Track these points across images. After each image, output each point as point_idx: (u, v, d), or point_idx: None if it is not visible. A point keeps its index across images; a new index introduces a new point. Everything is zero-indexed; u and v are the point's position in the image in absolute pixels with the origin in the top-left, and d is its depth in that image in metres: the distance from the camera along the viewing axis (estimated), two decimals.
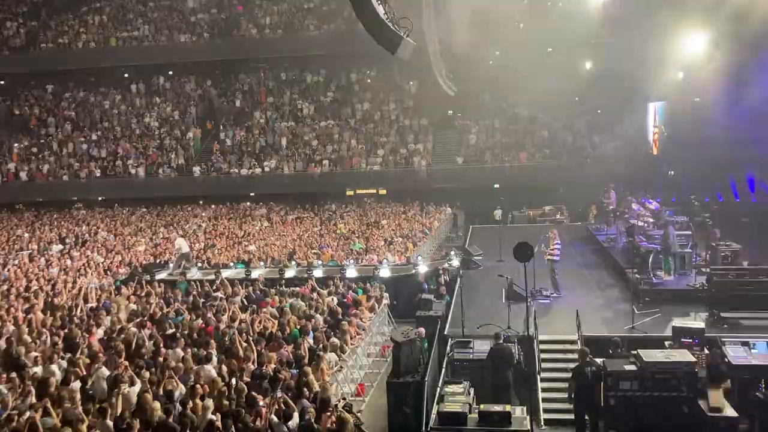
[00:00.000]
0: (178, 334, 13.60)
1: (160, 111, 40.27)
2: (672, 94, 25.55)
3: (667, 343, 11.75)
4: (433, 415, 10.02)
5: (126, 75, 41.77)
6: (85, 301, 17.10)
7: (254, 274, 19.29)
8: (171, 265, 21.61)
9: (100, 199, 36.02)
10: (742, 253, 16.49)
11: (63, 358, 12.25)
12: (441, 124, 36.59)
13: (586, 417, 10.77)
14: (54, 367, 11.85)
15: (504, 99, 35.99)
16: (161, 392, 10.63)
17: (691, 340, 11.61)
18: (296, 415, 9.79)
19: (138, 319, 14.97)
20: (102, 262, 22.99)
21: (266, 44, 39.23)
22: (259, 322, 14.39)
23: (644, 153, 29.35)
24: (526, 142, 34.42)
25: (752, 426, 10.31)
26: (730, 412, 9.96)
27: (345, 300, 16.22)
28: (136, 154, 37.17)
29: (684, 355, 10.58)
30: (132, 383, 10.84)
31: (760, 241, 18.36)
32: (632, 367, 10.40)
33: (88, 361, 12.05)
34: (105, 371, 11.57)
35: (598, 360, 10.83)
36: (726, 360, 11.13)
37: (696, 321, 12.96)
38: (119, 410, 10.09)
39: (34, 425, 9.27)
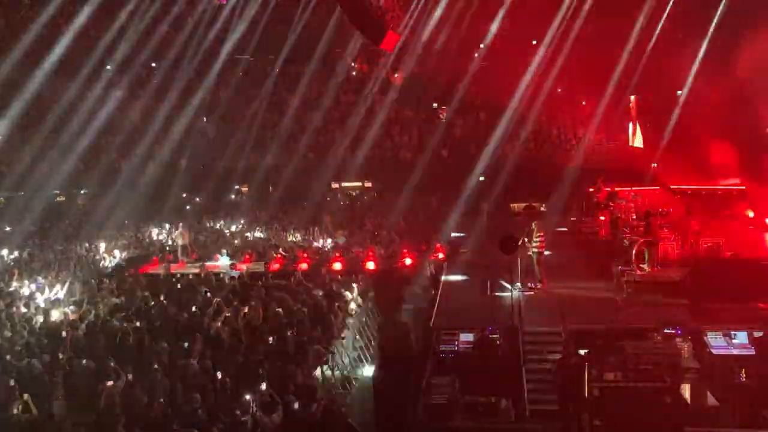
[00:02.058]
0: (163, 328, 13.53)
1: None
2: (654, 86, 25.78)
3: (650, 334, 11.87)
4: (419, 407, 10.07)
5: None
6: None
7: (239, 268, 19.23)
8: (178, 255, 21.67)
9: None
10: (723, 244, 16.68)
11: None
12: (426, 117, 36.53)
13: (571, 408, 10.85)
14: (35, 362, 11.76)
15: (488, 91, 35.99)
16: (146, 386, 10.58)
17: (673, 331, 11.74)
18: (281, 407, 9.79)
19: (122, 313, 14.86)
20: None
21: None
22: (244, 315, 14.34)
23: (627, 145, 29.57)
24: (511, 134, 34.45)
25: (733, 414, 10.45)
26: (711, 401, 10.11)
27: (331, 293, 16.21)
28: None
29: (667, 346, 10.70)
30: (117, 377, 10.78)
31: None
32: (616, 359, 10.50)
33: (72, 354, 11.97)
34: (89, 365, 11.49)
35: (582, 351, 10.91)
36: (708, 350, 11.28)
37: (679, 312, 13.10)
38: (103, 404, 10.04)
39: None
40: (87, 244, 24.59)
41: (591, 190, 23.06)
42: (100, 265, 21.91)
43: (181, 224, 23.99)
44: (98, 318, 14.54)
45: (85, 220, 29.70)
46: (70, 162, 30.46)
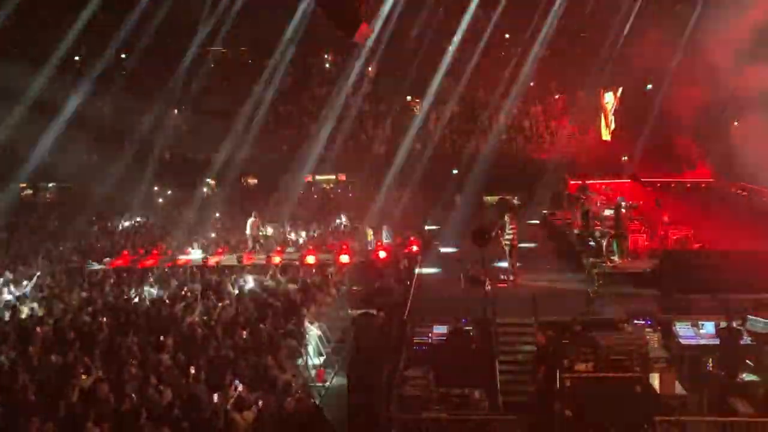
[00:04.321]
0: (134, 322, 13.38)
1: None
2: (625, 80, 26.13)
3: (620, 325, 12.04)
4: (393, 399, 10.09)
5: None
6: None
7: (212, 261, 19.09)
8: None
9: None
10: (691, 236, 16.96)
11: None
12: (400, 110, 36.55)
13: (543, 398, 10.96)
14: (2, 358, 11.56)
15: (462, 85, 36.13)
16: (116, 381, 10.45)
17: (643, 322, 11.93)
18: (254, 403, 9.74)
19: (91, 308, 14.66)
20: None
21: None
22: (218, 309, 14.24)
23: (598, 138, 29.92)
24: (484, 127, 34.66)
25: (701, 402, 10.65)
26: (679, 389, 10.30)
27: (304, 286, 16.18)
28: None
29: (637, 337, 10.86)
30: (87, 372, 10.63)
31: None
32: (587, 349, 10.62)
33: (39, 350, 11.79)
34: (57, 360, 11.32)
35: (554, 342, 11.03)
36: (676, 340, 11.49)
37: (648, 303, 13.30)
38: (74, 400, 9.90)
39: None
40: (55, 238, 24.18)
41: (561, 183, 23.30)
42: (69, 259, 21.55)
43: (254, 213, 22.62)
44: (67, 313, 14.33)
45: (53, 213, 29.22)
46: (38, 155, 29.91)
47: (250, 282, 17.02)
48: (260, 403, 9.74)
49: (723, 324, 11.71)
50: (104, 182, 32.77)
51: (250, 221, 21.65)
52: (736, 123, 23.04)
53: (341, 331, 15.56)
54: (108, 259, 20.40)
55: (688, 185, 26.06)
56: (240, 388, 10.16)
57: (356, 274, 18.19)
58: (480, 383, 11.04)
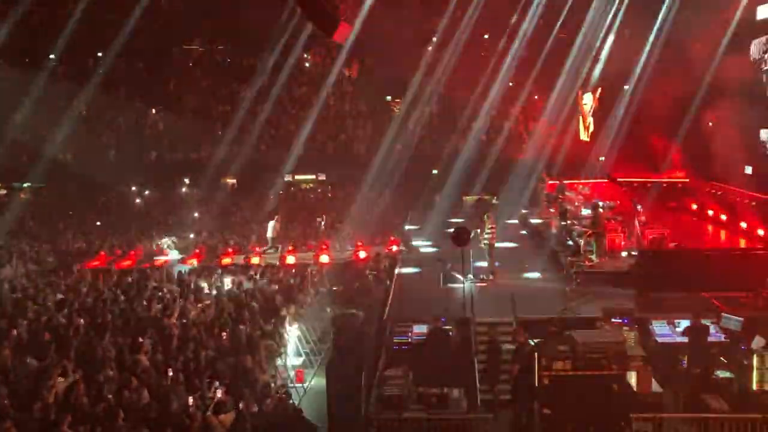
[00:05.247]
0: (110, 323, 13.23)
1: None
2: (602, 81, 26.37)
3: (598, 323, 12.15)
4: (373, 399, 10.08)
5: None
6: None
7: (189, 262, 18.95)
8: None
9: None
10: (668, 235, 17.18)
11: None
12: (379, 110, 36.53)
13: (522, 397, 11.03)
14: None
15: (441, 85, 36.21)
16: (93, 383, 10.32)
17: (620, 320, 12.06)
18: (233, 405, 9.67)
19: (65, 309, 14.46)
20: None
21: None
22: (197, 310, 14.14)
23: (576, 139, 30.13)
24: (463, 128, 34.74)
25: (676, 399, 10.79)
26: (656, 387, 10.42)
27: (283, 286, 16.12)
28: None
29: (614, 335, 10.96)
30: (63, 374, 10.48)
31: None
32: (565, 348, 10.70)
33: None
34: (33, 362, 11.16)
35: (533, 341, 11.10)
36: (653, 338, 11.62)
37: (625, 302, 13.44)
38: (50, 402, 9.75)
39: None
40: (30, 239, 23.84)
41: (540, 183, 23.46)
42: (45, 260, 21.25)
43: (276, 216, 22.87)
44: (42, 314, 14.12)
45: (28, 214, 28.81)
46: (11, 154, 29.45)
47: (228, 283, 16.94)
48: (241, 405, 9.68)
49: (685, 323, 11.86)
50: (81, 182, 32.41)
51: (271, 224, 21.84)
52: (710, 123, 23.35)
53: (321, 331, 15.54)
54: (85, 260, 20.17)
55: (665, 185, 26.38)
56: (219, 389, 10.10)
57: (336, 274, 18.18)
58: (459, 382, 11.09)
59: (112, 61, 38.61)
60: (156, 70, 39.99)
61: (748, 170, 21.66)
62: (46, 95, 31.45)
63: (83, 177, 33.07)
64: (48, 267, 19.64)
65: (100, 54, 39.87)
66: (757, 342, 10.94)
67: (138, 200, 32.07)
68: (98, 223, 26.81)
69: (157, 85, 38.93)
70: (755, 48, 20.99)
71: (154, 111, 36.96)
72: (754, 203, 20.46)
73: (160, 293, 15.60)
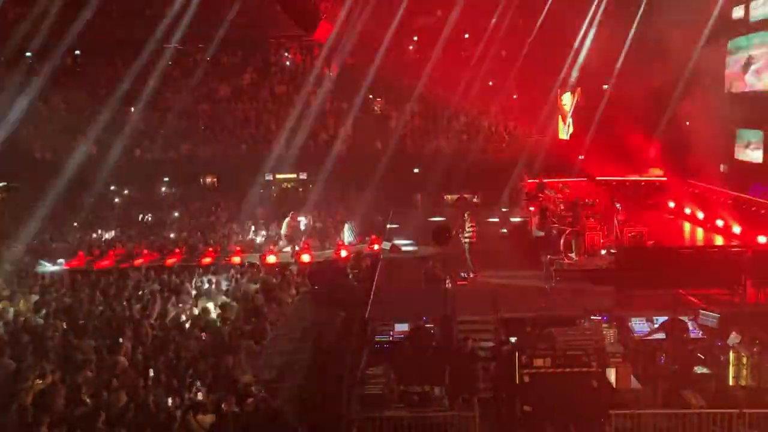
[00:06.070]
0: (89, 324, 13.10)
1: None
2: (582, 81, 26.56)
3: (578, 320, 12.26)
4: (354, 398, 10.09)
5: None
6: None
7: (169, 261, 18.81)
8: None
9: None
10: (646, 233, 17.36)
11: None
12: (360, 109, 36.46)
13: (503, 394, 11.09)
14: None
15: (422, 84, 36.23)
16: (71, 384, 10.21)
17: (600, 318, 12.18)
18: (213, 406, 9.62)
19: (43, 310, 14.30)
20: None
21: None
22: (177, 310, 14.05)
23: (556, 138, 30.33)
24: (444, 126, 34.81)
25: (654, 395, 10.92)
26: (635, 383, 10.54)
27: (265, 286, 16.06)
28: None
29: (593, 332, 11.07)
30: (40, 376, 10.36)
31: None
32: (545, 345, 10.78)
33: None
34: (10, 364, 11.02)
35: (513, 339, 11.17)
36: (632, 335, 11.75)
37: (605, 299, 13.57)
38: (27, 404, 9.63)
39: None
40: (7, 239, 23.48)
41: (520, 181, 23.60)
42: (21, 260, 20.97)
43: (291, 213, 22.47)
44: (19, 315, 13.95)
45: (4, 214, 28.39)
46: None
47: (207, 283, 16.82)
48: (223, 405, 9.63)
49: (660, 319, 12.01)
50: (57, 181, 31.97)
51: (286, 221, 21.68)
52: (687, 123, 23.63)
53: (302, 330, 15.49)
54: (62, 260, 19.94)
55: (643, 184, 26.66)
56: (200, 390, 10.03)
57: (317, 273, 18.15)
58: (441, 380, 11.13)
59: (89, 58, 38.12)
60: (135, 67, 39.55)
61: (723, 168, 21.99)
62: (23, 93, 31.04)
63: (61, 175, 32.66)
64: (24, 267, 19.37)
65: (78, 52, 39.41)
66: (733, 338, 11.11)
67: (117, 199, 31.70)
68: (75, 224, 26.42)
69: (137, 83, 38.50)
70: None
71: (133, 109, 36.60)
72: (730, 201, 20.75)
73: (140, 293, 15.48)
